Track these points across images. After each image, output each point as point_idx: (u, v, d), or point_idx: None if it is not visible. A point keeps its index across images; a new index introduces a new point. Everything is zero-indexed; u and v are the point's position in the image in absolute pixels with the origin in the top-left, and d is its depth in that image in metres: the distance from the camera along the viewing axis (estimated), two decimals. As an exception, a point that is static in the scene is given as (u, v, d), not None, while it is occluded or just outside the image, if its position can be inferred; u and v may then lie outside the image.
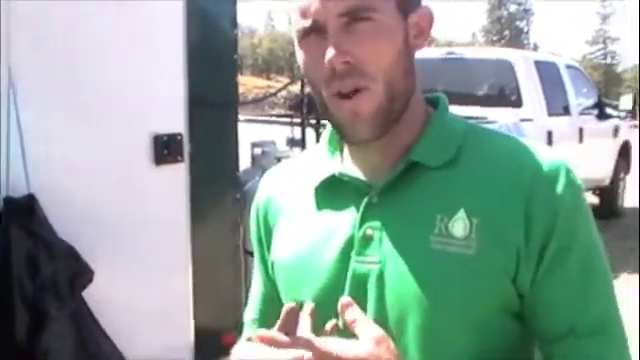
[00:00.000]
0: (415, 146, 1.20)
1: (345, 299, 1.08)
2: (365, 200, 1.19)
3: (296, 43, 1.19)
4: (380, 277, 1.16)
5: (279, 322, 1.09)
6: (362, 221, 1.19)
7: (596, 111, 9.88)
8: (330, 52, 1.11)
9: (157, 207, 3.18)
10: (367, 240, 1.18)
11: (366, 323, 1.06)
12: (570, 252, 1.13)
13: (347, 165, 1.26)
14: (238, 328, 3.50)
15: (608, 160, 10.13)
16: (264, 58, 78.18)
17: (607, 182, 10.09)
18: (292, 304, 1.11)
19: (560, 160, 1.16)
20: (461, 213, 1.14)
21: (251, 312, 1.46)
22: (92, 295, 2.76)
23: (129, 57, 3.03)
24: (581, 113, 9.34)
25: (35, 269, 2.56)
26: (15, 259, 2.53)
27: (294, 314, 1.10)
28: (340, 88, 1.13)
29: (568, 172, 1.15)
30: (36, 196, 2.61)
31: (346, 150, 1.28)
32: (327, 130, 1.32)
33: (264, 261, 1.38)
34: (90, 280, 2.71)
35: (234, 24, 3.63)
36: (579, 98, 9.47)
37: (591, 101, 9.95)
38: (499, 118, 7.38)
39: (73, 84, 2.85)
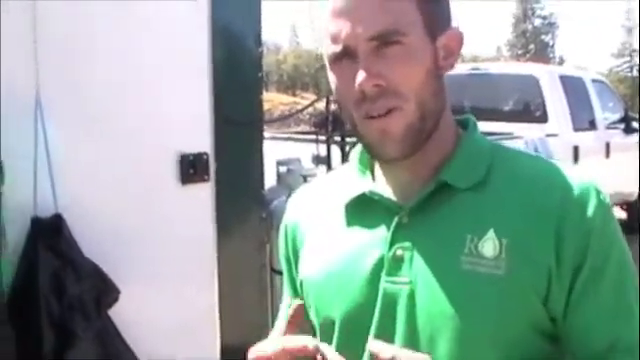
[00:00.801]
0: (445, 167, 1.21)
1: (371, 345, 1.08)
2: (395, 220, 1.20)
3: (328, 67, 1.22)
4: (411, 297, 1.17)
5: (288, 318, 1.12)
6: (392, 241, 1.20)
7: (622, 125, 9.80)
8: (361, 76, 1.13)
9: (183, 226, 3.19)
10: (397, 260, 1.19)
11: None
12: (604, 273, 1.13)
13: (378, 184, 1.27)
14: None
15: (635, 174, 10.04)
16: (289, 74, 78.47)
17: (634, 197, 10.00)
18: (299, 302, 1.14)
19: (589, 181, 1.17)
20: (491, 233, 1.14)
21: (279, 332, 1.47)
22: (118, 314, 2.77)
23: (155, 76, 3.05)
24: (607, 127, 9.28)
25: (62, 289, 2.57)
26: (42, 279, 2.54)
27: (300, 313, 1.13)
28: (371, 111, 1.15)
29: (598, 193, 1.15)
30: (63, 216, 2.62)
31: (377, 169, 1.29)
32: (357, 149, 1.33)
33: (292, 280, 1.40)
34: (116, 299, 2.72)
35: (259, 42, 3.65)
36: (605, 112, 9.41)
37: (617, 115, 9.87)
38: (525, 134, 7.35)
39: (101, 105, 2.87)
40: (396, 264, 1.19)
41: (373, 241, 1.22)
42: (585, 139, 8.43)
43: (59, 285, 2.56)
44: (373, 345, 1.07)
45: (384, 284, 1.19)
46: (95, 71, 2.86)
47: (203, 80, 3.24)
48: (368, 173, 1.30)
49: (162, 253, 3.11)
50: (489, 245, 1.14)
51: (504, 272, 1.12)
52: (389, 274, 1.19)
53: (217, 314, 3.36)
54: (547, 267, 1.11)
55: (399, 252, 1.19)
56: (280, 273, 3.94)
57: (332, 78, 1.21)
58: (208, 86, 3.25)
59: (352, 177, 1.31)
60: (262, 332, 3.61)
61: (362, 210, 1.25)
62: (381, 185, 1.26)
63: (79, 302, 2.60)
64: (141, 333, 2.89)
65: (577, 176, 1.18)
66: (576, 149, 7.96)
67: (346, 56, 1.16)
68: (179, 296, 3.18)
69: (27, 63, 2.63)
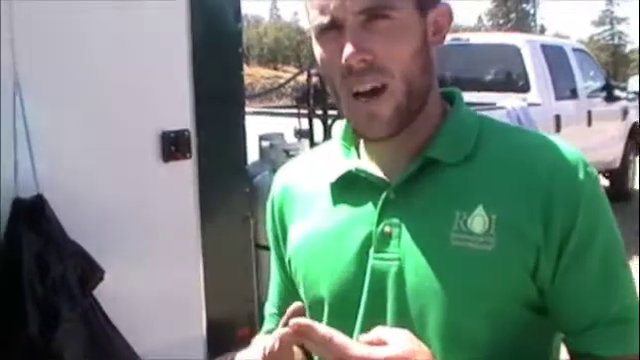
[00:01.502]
0: (431, 142, 1.20)
1: (362, 338, 1.05)
2: (382, 197, 1.19)
3: (313, 39, 1.19)
4: (399, 273, 1.16)
5: (283, 319, 1.08)
6: (380, 218, 1.19)
7: (604, 93, 9.83)
8: (348, 49, 1.11)
9: (166, 203, 3.19)
10: (386, 237, 1.18)
11: (391, 330, 1.07)
12: (592, 244, 1.13)
13: (363, 161, 1.26)
14: (251, 321, 3.49)
15: (617, 142, 10.08)
16: (270, 48, 78.05)
17: (617, 164, 10.05)
18: (299, 304, 1.11)
19: (577, 153, 1.16)
20: (479, 209, 1.13)
21: (270, 306, 1.47)
22: (103, 293, 2.77)
23: (132, 54, 3.03)
24: (589, 96, 9.30)
25: (45, 269, 2.56)
26: (25, 260, 2.53)
27: (299, 313, 1.09)
28: (358, 87, 1.13)
29: (585, 165, 1.15)
30: (45, 196, 2.61)
31: (362, 146, 1.27)
32: (340, 125, 1.32)
33: (280, 257, 1.39)
34: (101, 279, 2.72)
35: (238, 17, 3.62)
36: (587, 81, 9.42)
37: (599, 84, 9.90)
38: (507, 103, 7.35)
39: (78, 84, 2.85)
40: (384, 240, 1.18)
41: (360, 218, 1.21)
42: (567, 108, 8.44)
43: (43, 266, 2.55)
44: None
45: (372, 261, 1.18)
46: (72, 53, 2.84)
47: (183, 57, 3.22)
48: (353, 149, 1.28)
49: (146, 231, 3.11)
50: (478, 221, 1.13)
51: (493, 248, 1.11)
52: (377, 251, 1.18)
53: (202, 290, 3.37)
54: (536, 241, 1.11)
55: (387, 229, 1.18)
56: (264, 248, 3.97)
57: (318, 50, 1.18)
58: (188, 63, 3.23)
59: (336, 154, 1.29)
60: (247, 307, 3.64)
61: (348, 187, 1.24)
62: (367, 162, 1.25)
63: (63, 283, 2.60)
64: (127, 312, 2.88)
65: (565, 149, 1.16)
66: (558, 118, 7.98)
67: (333, 28, 1.13)
68: (164, 273, 3.18)
69: (4, 45, 2.61)
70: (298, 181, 1.36)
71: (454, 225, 1.14)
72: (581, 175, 1.13)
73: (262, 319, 1.51)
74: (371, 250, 1.18)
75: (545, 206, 1.11)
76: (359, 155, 1.28)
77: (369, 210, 1.20)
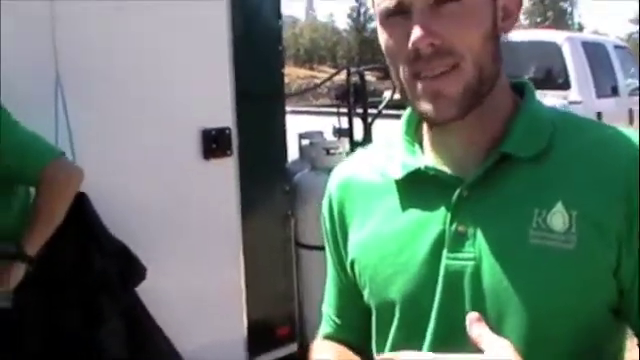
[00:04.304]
0: (506, 137, 1.14)
1: (473, 314, 1.00)
2: (455, 195, 1.13)
3: (378, 24, 1.13)
4: (476, 274, 1.11)
5: None
6: (453, 216, 1.13)
7: (645, 91, 9.70)
8: (415, 33, 1.05)
9: (207, 201, 3.19)
10: (460, 236, 1.13)
11: (492, 337, 0.99)
12: None
13: (431, 157, 1.20)
14: (291, 321, 3.48)
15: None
16: (306, 48, 78.12)
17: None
18: (385, 356, 1.05)
19: None
20: (559, 206, 1.08)
21: (328, 307, 1.43)
22: (145, 291, 2.77)
23: (174, 53, 3.04)
24: (630, 94, 9.18)
25: (88, 267, 2.57)
26: (68, 257, 2.54)
27: None
28: (425, 71, 1.08)
29: None
30: (87, 194, 2.61)
31: (426, 140, 1.23)
32: (402, 121, 1.27)
33: (340, 258, 1.34)
34: (143, 277, 2.72)
35: (278, 15, 3.61)
36: (627, 79, 9.30)
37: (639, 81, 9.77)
38: (548, 101, 7.27)
39: (120, 82, 2.87)
40: (459, 240, 1.13)
41: (431, 217, 1.16)
42: (608, 106, 8.34)
43: (85, 263, 2.56)
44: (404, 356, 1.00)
45: (446, 261, 1.13)
46: (113, 52, 2.85)
47: (223, 56, 3.22)
48: (417, 145, 1.23)
49: (187, 229, 3.11)
50: (558, 218, 1.08)
51: (575, 245, 1.07)
52: (451, 250, 1.13)
53: (243, 288, 3.36)
54: (618, 236, 1.06)
55: (461, 228, 1.13)
56: (304, 247, 3.93)
57: (382, 36, 1.13)
58: (228, 61, 3.23)
59: (400, 150, 1.24)
60: (287, 306, 3.63)
61: (417, 185, 1.19)
62: (434, 158, 1.20)
63: (105, 280, 2.60)
64: (168, 309, 2.89)
65: None
66: (599, 116, 7.88)
67: (400, 12, 1.08)
68: (205, 271, 3.18)
69: (47, 48, 2.63)
70: (358, 180, 1.30)
71: (533, 223, 1.08)
72: None
73: (320, 317, 1.47)
74: (444, 250, 1.13)
75: (626, 200, 1.06)
76: (423, 151, 1.23)
77: (441, 209, 1.15)
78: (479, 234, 1.11)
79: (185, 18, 3.04)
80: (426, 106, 1.11)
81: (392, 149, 1.25)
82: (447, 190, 1.14)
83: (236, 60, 3.25)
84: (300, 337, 3.70)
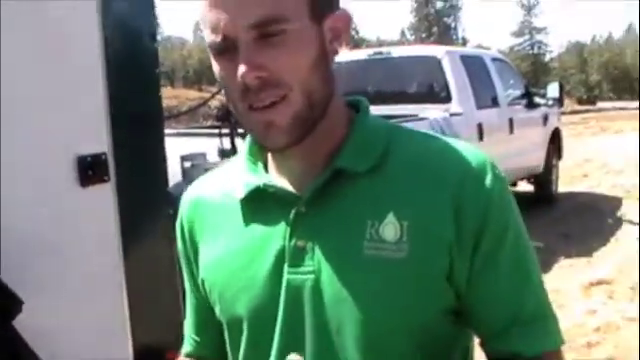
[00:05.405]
0: (339, 153, 1.19)
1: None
2: (293, 211, 1.18)
3: (211, 58, 1.17)
4: (316, 287, 1.15)
5: None
6: (292, 232, 1.18)
7: (524, 101, 10.06)
8: (242, 69, 1.09)
9: (86, 230, 3.12)
10: (299, 251, 1.17)
11: None
12: (503, 244, 1.14)
13: (272, 176, 1.24)
14: (178, 344, 3.45)
15: (540, 148, 10.30)
16: (195, 69, 77.64)
17: (540, 169, 10.26)
18: None
19: (485, 156, 1.17)
20: (390, 217, 1.13)
21: (187, 325, 1.49)
22: (24, 325, 2.69)
23: (46, 79, 2.95)
24: (510, 104, 9.50)
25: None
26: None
27: None
28: (257, 103, 1.11)
29: (494, 167, 1.16)
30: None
31: (270, 160, 1.26)
32: (246, 141, 1.30)
33: (193, 277, 1.37)
34: (19, 310, 2.64)
35: (153, 37, 3.58)
36: (507, 89, 9.62)
37: (519, 91, 10.12)
38: (429, 114, 7.44)
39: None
40: (298, 255, 1.17)
41: (273, 234, 1.20)
42: (489, 116, 8.61)
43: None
44: None
45: (288, 276, 1.17)
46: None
47: (97, 80, 3.16)
48: (260, 164, 1.27)
49: (67, 259, 3.04)
50: (390, 229, 1.13)
51: (407, 254, 1.11)
52: (292, 265, 1.17)
53: (127, 315, 3.30)
54: (448, 243, 1.11)
55: (300, 243, 1.17)
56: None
57: (216, 69, 1.17)
58: (102, 85, 3.18)
59: (243, 170, 1.27)
60: (174, 330, 3.58)
61: (258, 203, 1.23)
62: (275, 176, 1.24)
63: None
64: (50, 342, 2.81)
65: (473, 152, 1.17)
66: (480, 126, 8.11)
67: (228, 46, 1.11)
68: (87, 301, 3.11)
69: None
70: (206, 199, 1.35)
71: (366, 234, 1.13)
72: (490, 175, 1.14)
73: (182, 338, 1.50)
74: (285, 265, 1.18)
75: (456, 208, 1.12)
76: (267, 170, 1.26)
77: (281, 225, 1.19)
78: (317, 248, 1.15)
79: (56, 42, 2.97)
80: (260, 135, 1.15)
81: (237, 168, 1.29)
82: (286, 207, 1.19)
83: (111, 84, 3.20)
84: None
